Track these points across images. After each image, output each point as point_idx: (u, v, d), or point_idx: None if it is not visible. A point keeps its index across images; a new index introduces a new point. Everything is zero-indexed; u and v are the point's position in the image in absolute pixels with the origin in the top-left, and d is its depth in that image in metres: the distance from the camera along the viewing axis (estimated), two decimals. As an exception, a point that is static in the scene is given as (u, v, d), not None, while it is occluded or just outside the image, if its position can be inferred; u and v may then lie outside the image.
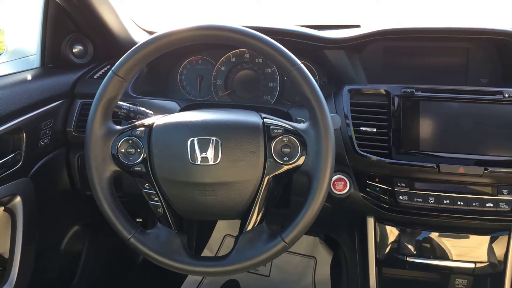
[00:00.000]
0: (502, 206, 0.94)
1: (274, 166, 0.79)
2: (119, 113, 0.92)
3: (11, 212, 0.97)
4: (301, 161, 0.79)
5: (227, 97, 1.28)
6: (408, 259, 1.02)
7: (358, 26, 1.26)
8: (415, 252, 1.02)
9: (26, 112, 0.98)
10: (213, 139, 0.79)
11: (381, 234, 1.04)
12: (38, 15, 1.11)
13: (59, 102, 1.10)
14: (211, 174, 0.79)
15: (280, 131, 0.80)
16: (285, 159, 0.79)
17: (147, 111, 0.95)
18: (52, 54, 1.16)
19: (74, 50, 1.20)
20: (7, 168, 0.93)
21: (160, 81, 1.30)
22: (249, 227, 0.82)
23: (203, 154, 0.78)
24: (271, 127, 0.80)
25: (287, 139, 0.79)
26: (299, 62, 0.77)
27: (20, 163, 0.97)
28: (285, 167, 0.79)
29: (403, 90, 0.99)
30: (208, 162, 0.78)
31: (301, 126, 0.81)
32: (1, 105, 0.92)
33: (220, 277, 1.74)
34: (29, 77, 1.05)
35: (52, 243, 1.25)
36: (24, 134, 0.97)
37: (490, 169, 0.91)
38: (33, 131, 1.01)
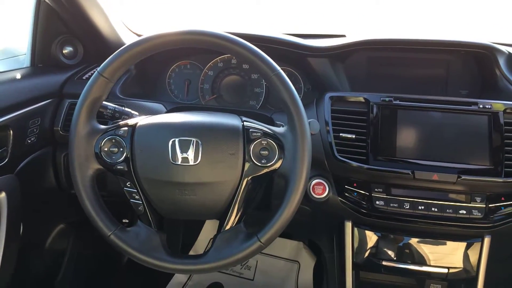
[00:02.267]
0: (475, 213, 0.97)
1: (253, 168, 0.82)
2: (104, 113, 0.94)
3: (-5, 207, 0.99)
4: (278, 164, 0.82)
5: (213, 101, 1.31)
6: (383, 263, 1.05)
7: (344, 36, 1.30)
8: (390, 257, 1.05)
9: (13, 110, 1.00)
10: (194, 140, 0.81)
11: (358, 238, 1.07)
12: (29, 16, 1.13)
13: (48, 101, 1.12)
14: (191, 174, 0.81)
15: (259, 134, 0.82)
16: (263, 161, 0.82)
17: (133, 112, 0.97)
18: (42, 54, 1.18)
19: (64, 51, 1.22)
20: (-8, 164, 0.95)
21: (149, 84, 1.32)
22: (227, 227, 0.84)
23: (184, 155, 0.81)
24: (250, 130, 0.83)
25: (266, 142, 0.82)
26: (278, 68, 0.80)
27: (6, 159, 0.98)
28: (263, 170, 0.82)
29: (382, 98, 1.02)
30: (189, 163, 0.80)
31: (280, 130, 0.84)
32: (-11, 103, 0.95)
33: (204, 279, 1.75)
34: (18, 76, 1.07)
35: (37, 240, 1.26)
36: (11, 132, 0.99)
37: (463, 176, 0.94)
38: (20, 128, 1.03)
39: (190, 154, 0.81)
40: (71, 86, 1.16)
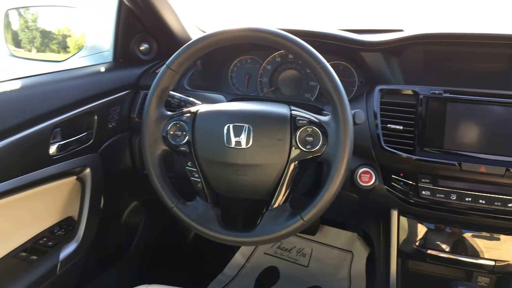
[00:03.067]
0: (525, 208, 0.96)
1: (298, 153, 0.89)
2: (172, 102, 1.07)
3: (81, 181, 1.16)
4: (322, 149, 0.88)
5: (271, 94, 1.40)
6: (428, 251, 1.07)
7: (401, 30, 1.32)
8: (435, 246, 1.07)
9: (98, 98, 1.17)
10: (246, 126, 0.90)
11: (404, 227, 1.10)
12: (112, 18, 1.31)
13: (126, 92, 1.28)
14: (243, 156, 0.90)
15: (305, 121, 0.90)
16: (308, 147, 0.89)
17: (196, 101, 1.09)
18: (123, 51, 1.35)
19: (141, 48, 1.38)
20: (81, 143, 1.12)
21: (213, 77, 1.45)
22: (274, 206, 0.92)
23: (237, 139, 0.90)
24: (297, 118, 0.90)
25: (311, 129, 0.89)
26: (324, 60, 0.87)
27: (92, 140, 1.16)
28: (308, 155, 0.89)
29: (432, 91, 1.04)
30: (241, 146, 0.90)
31: (324, 118, 0.90)
32: (79, 92, 1.12)
33: (261, 262, 1.86)
34: (102, 70, 1.25)
35: (114, 213, 1.44)
36: (96, 117, 1.16)
37: None
38: (103, 115, 1.19)
39: (243, 138, 0.90)
40: (146, 79, 1.32)
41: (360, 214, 1.27)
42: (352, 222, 1.48)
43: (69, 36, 1.42)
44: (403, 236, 1.11)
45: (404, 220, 1.10)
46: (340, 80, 1.32)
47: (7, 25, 1.37)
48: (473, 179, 1.00)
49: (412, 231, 1.09)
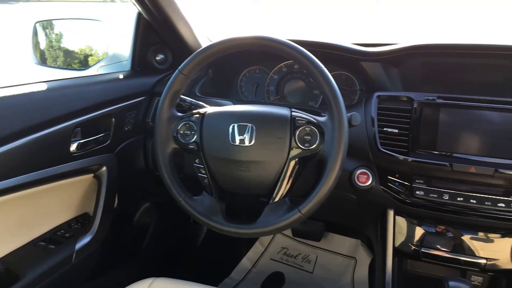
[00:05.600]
0: (514, 207, 1.01)
1: (297, 151, 0.97)
2: (183, 105, 1.16)
3: (98, 179, 1.25)
4: (319, 147, 0.95)
5: (277, 102, 1.48)
6: (423, 250, 1.12)
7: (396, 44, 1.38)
8: (429, 244, 1.12)
9: (116, 103, 1.27)
10: (249, 126, 0.98)
11: (400, 226, 1.15)
12: (131, 30, 1.42)
13: (142, 98, 1.37)
14: (246, 153, 0.98)
15: (304, 122, 0.97)
16: (306, 145, 0.96)
17: (205, 105, 1.18)
18: (140, 60, 1.45)
19: (157, 58, 1.48)
20: (99, 143, 1.22)
21: (224, 86, 1.54)
22: (275, 200, 0.99)
23: (241, 137, 0.98)
24: (296, 118, 0.98)
25: (309, 129, 0.96)
26: (321, 65, 0.95)
27: (109, 141, 1.25)
28: (306, 151, 0.96)
29: (426, 97, 1.10)
30: (245, 144, 0.98)
31: (321, 118, 0.98)
32: (99, 96, 1.22)
33: (267, 267, 1.91)
34: (121, 77, 1.35)
35: (127, 213, 1.52)
36: (113, 120, 1.26)
37: (501, 170, 0.99)
38: (120, 118, 1.29)
39: (246, 137, 0.98)
40: (161, 86, 1.41)
41: (359, 215, 1.32)
42: (352, 224, 1.53)
43: (91, 53, 1.54)
44: (399, 235, 1.16)
45: (400, 220, 1.15)
46: (342, 89, 1.42)
47: (35, 36, 1.49)
48: (464, 179, 1.05)
49: (408, 231, 1.14)
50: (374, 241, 1.28)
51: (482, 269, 1.08)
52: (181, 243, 1.83)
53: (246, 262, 1.94)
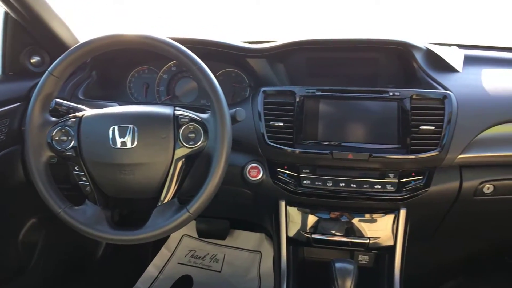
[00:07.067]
0: (389, 188, 1.10)
1: (182, 149, 0.95)
2: (59, 109, 1.07)
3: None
4: (203, 144, 0.95)
5: (169, 102, 1.44)
6: (313, 236, 1.17)
7: None
8: (319, 230, 1.17)
9: None
10: (130, 127, 0.94)
11: (293, 216, 1.19)
12: (-1, 30, 1.28)
13: (16, 104, 1.25)
14: (129, 156, 0.94)
15: (187, 119, 0.96)
16: (190, 143, 0.95)
17: (86, 108, 1.11)
18: (12, 64, 1.32)
19: (32, 61, 1.36)
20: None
21: (111, 88, 1.46)
22: (164, 202, 0.96)
23: (122, 139, 0.94)
24: (179, 116, 0.96)
25: (193, 126, 0.95)
26: (200, 62, 0.94)
27: None
28: (191, 149, 0.95)
29: (306, 90, 1.15)
30: (126, 146, 0.93)
31: (204, 115, 0.97)
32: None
33: (174, 272, 1.87)
34: None
35: (10, 232, 1.38)
36: None
37: (375, 155, 1.07)
38: None
39: (128, 138, 0.94)
40: None
41: (256, 209, 1.35)
42: (252, 218, 1.56)
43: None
44: (292, 225, 1.20)
45: (292, 210, 1.19)
46: (233, 85, 1.43)
47: None
48: (344, 166, 1.12)
49: (299, 219, 1.19)
50: (272, 233, 1.32)
51: (367, 248, 1.16)
52: (77, 258, 1.71)
53: (152, 269, 1.88)
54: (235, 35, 1.58)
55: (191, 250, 1.98)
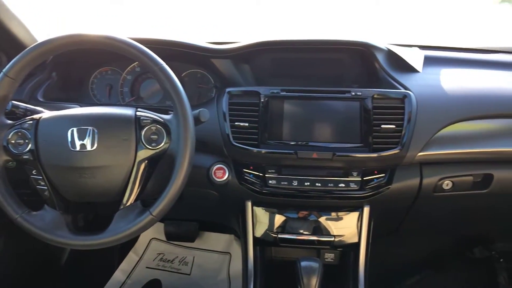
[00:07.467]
0: (352, 186, 1.12)
1: (144, 151, 0.93)
2: (16, 112, 1.04)
3: None
4: (166, 145, 0.94)
5: (133, 103, 1.42)
6: (279, 236, 1.18)
7: None
8: (285, 230, 1.18)
9: None
10: (90, 129, 0.92)
11: (259, 216, 1.20)
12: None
13: None
14: (89, 159, 0.92)
15: (149, 121, 0.94)
16: (153, 144, 0.94)
17: (44, 110, 1.07)
18: None
19: (-12, 62, 1.31)
20: None
21: (73, 89, 1.42)
22: (126, 205, 0.95)
23: (82, 142, 0.91)
24: (141, 118, 0.95)
25: (155, 128, 0.94)
26: (161, 62, 0.93)
27: None
28: (154, 151, 0.94)
29: (271, 91, 1.16)
30: (86, 149, 0.91)
31: (167, 116, 0.96)
32: None
33: (142, 276, 1.84)
34: None
35: None
36: None
37: (338, 153, 1.09)
38: None
39: (87, 141, 0.91)
40: None
41: (223, 210, 1.34)
42: (220, 219, 1.55)
43: None
44: (259, 225, 1.20)
45: (258, 210, 1.20)
46: (198, 86, 1.42)
47: None
48: (309, 165, 1.13)
49: (266, 219, 1.19)
50: (240, 234, 1.31)
51: (332, 246, 1.18)
52: (40, 265, 1.65)
53: (119, 274, 1.84)
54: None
55: (160, 254, 1.95)
